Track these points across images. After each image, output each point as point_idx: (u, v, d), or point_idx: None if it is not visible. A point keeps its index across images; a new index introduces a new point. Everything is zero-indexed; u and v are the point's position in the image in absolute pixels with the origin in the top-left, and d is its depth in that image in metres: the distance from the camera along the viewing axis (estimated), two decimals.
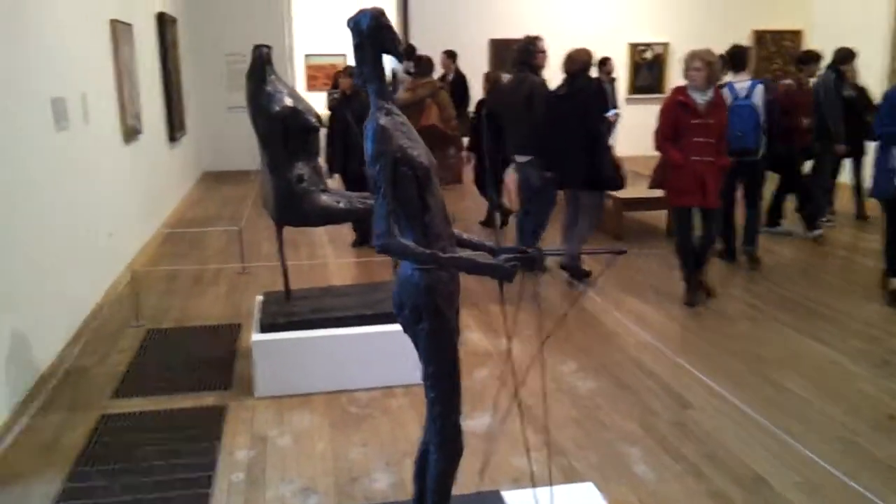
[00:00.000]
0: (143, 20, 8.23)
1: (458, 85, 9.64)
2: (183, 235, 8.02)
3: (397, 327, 4.06)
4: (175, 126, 9.59)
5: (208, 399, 4.13)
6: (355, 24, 2.12)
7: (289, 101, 4.15)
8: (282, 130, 4.12)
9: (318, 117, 4.37)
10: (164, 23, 9.23)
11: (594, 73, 7.11)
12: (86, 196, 5.67)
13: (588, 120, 5.96)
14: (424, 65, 7.85)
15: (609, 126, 6.47)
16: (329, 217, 4.29)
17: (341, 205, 4.27)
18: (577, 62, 6.06)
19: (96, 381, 4.35)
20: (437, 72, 8.89)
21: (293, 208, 4.21)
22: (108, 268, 6.02)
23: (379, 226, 1.99)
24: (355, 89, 6.90)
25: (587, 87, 6.10)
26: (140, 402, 4.09)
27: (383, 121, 2.06)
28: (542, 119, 6.09)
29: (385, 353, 4.27)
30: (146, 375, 4.43)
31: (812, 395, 4.11)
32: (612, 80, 10.19)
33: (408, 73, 8.63)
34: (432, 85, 7.75)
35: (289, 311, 4.35)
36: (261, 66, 4.19)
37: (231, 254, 6.93)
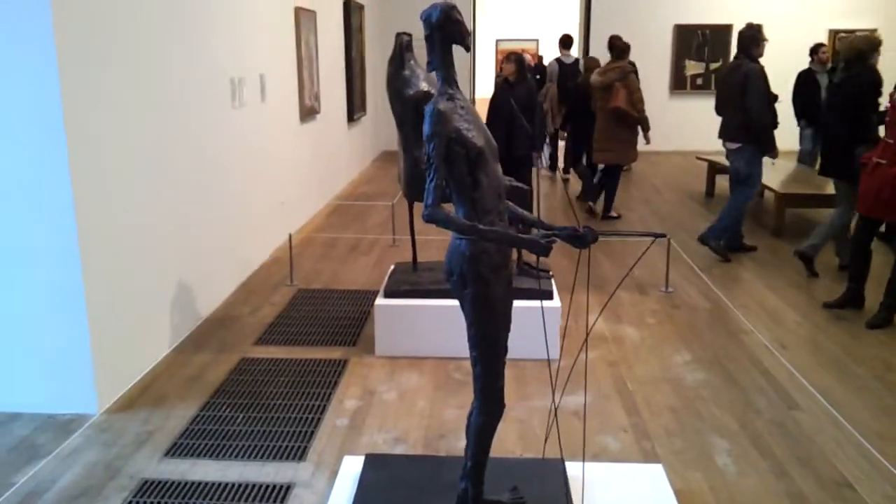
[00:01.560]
0: (328, 7, 8.92)
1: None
2: (350, 208, 8.67)
3: (517, 303, 4.32)
4: (355, 107, 10.30)
5: (335, 353, 4.57)
6: (427, 17, 2.35)
7: (424, 86, 4.45)
8: (414, 113, 4.43)
9: None
10: (350, 9, 9.92)
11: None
12: (262, 167, 6.37)
13: (857, 109, 5.75)
14: (618, 49, 8.10)
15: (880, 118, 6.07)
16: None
17: None
18: (852, 49, 5.82)
19: (245, 329, 4.94)
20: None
21: (418, 186, 4.52)
22: (277, 233, 6.68)
23: (428, 198, 2.21)
24: (520, 76, 6.97)
25: (859, 76, 5.78)
26: (276, 350, 4.61)
27: (442, 105, 2.28)
28: (759, 105, 6.18)
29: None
30: (287, 328, 4.97)
31: None
32: (827, 70, 9.02)
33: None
34: (622, 69, 7.96)
35: (412, 280, 4.70)
36: (400, 52, 4.52)
37: (388, 227, 7.41)
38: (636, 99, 7.85)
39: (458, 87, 2.40)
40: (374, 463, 3.02)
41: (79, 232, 3.59)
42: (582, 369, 4.29)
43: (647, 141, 8.09)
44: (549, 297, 4.55)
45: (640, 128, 8.04)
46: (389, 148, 13.29)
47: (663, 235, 2.57)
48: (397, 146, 4.80)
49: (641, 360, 4.52)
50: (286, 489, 3.16)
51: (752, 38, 6.29)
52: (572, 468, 3.04)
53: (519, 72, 6.93)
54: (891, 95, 5.33)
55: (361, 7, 10.69)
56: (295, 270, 5.99)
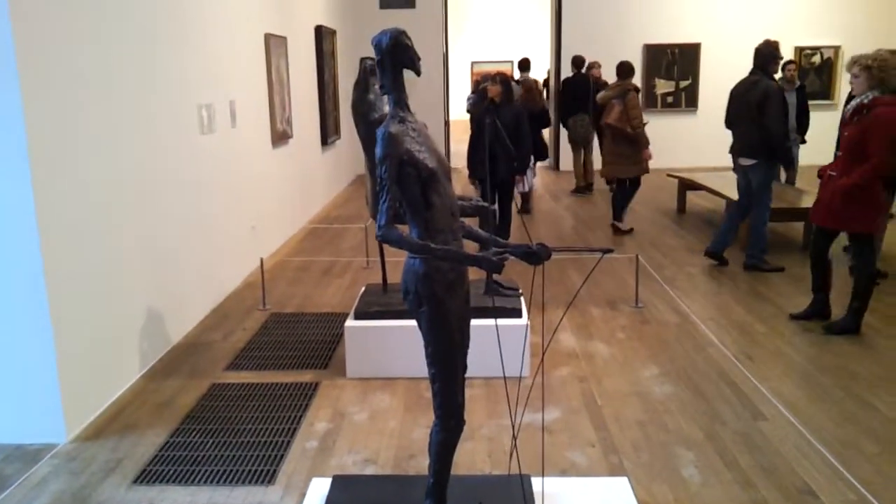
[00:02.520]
0: (299, 33, 9.00)
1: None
2: (325, 231, 8.70)
3: (479, 321, 4.36)
4: (328, 131, 10.36)
5: (306, 376, 4.58)
6: (377, 42, 2.42)
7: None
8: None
9: None
10: (322, 35, 10.00)
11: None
12: (235, 192, 6.39)
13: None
14: (625, 70, 8.41)
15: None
16: None
17: None
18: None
19: (216, 354, 4.94)
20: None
21: None
22: (251, 257, 6.68)
23: (381, 219, 2.28)
24: (506, 97, 7.01)
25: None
26: (247, 375, 4.61)
27: (393, 129, 2.34)
28: (779, 123, 6.34)
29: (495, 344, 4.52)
30: (259, 352, 4.97)
31: None
32: (796, 87, 9.06)
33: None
34: (622, 87, 8.24)
35: (382, 302, 4.73)
36: (365, 77, 4.59)
37: (362, 249, 7.44)
38: (632, 116, 8.07)
39: (409, 109, 2.46)
40: (341, 484, 3.03)
41: (44, 259, 3.60)
42: (551, 385, 4.38)
43: (646, 157, 8.21)
44: (517, 314, 4.59)
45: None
46: (364, 171, 13.36)
47: (610, 251, 2.64)
48: (364, 169, 4.85)
49: (611, 375, 4.57)
50: None
51: (770, 55, 6.44)
52: (538, 484, 3.06)
53: (505, 93, 7.01)
54: (843, 111, 5.49)
55: (333, 32, 10.78)
56: (268, 294, 6.00)
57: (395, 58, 2.41)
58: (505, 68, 23.15)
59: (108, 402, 4.18)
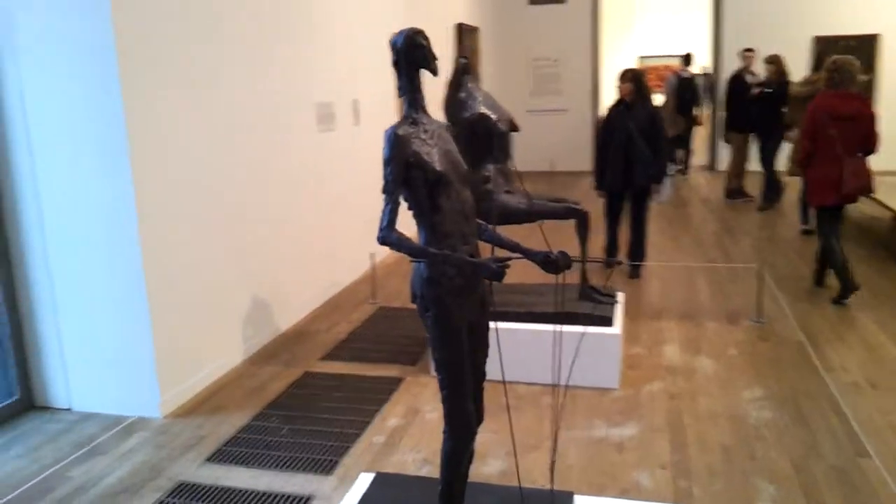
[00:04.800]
0: (437, 30, 9.11)
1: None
2: None
3: (571, 328, 4.25)
4: None
5: (393, 371, 4.65)
6: (393, 43, 2.40)
7: (480, 108, 4.47)
8: (468, 134, 4.45)
9: (511, 123, 4.62)
10: (462, 32, 10.08)
11: None
12: (356, 189, 6.60)
13: None
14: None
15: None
16: (509, 216, 4.51)
17: (521, 206, 4.48)
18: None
19: (317, 344, 5.13)
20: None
21: (475, 207, 4.53)
22: (369, 252, 6.87)
23: (383, 220, 2.26)
24: (638, 95, 6.34)
25: None
26: (339, 366, 4.75)
27: (401, 130, 2.31)
28: None
29: (552, 352, 4.40)
30: (356, 344, 5.10)
31: None
32: None
33: None
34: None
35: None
36: (458, 75, 4.57)
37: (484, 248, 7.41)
38: None
39: (424, 111, 2.42)
40: (382, 481, 3.05)
41: (143, 252, 3.89)
42: (638, 400, 4.16)
43: None
44: (607, 323, 4.40)
45: None
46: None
47: (619, 263, 2.48)
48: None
49: (707, 393, 4.26)
50: (305, 501, 3.25)
51: None
52: (582, 502, 2.94)
53: (637, 91, 6.32)
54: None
55: (475, 29, 10.83)
56: (381, 289, 6.15)
57: (409, 58, 2.37)
58: (673, 63, 22.32)
59: (206, 384, 4.46)
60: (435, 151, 2.33)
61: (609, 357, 4.36)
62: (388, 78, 7.34)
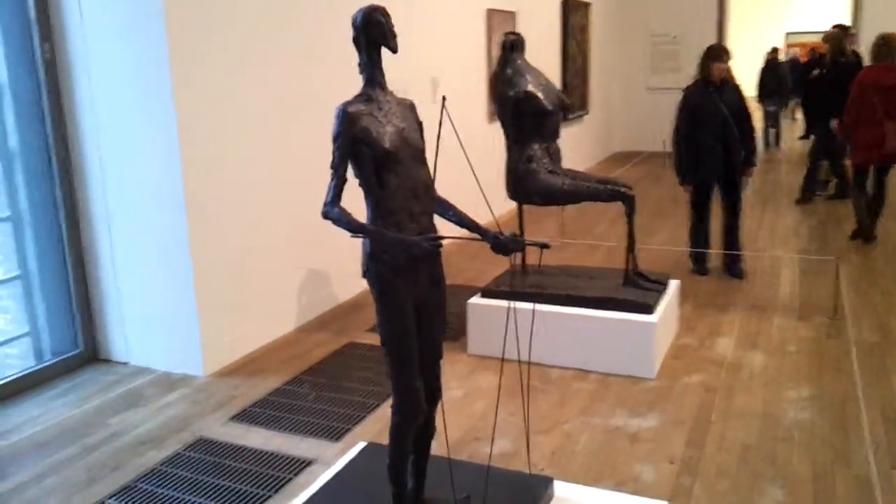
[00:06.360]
0: (536, 7, 8.97)
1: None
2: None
3: (607, 313, 4.15)
4: (570, 106, 10.22)
5: None
6: (353, 20, 2.41)
7: (527, 86, 4.40)
8: (513, 112, 4.40)
9: (560, 102, 4.52)
10: (568, 8, 9.86)
11: None
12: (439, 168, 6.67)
13: None
14: None
15: None
16: (551, 197, 4.44)
17: (565, 186, 4.39)
18: None
19: (368, 316, 5.26)
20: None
21: (518, 186, 4.49)
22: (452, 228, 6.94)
23: (327, 196, 2.30)
24: (728, 75, 5.94)
25: None
26: None
27: (351, 108, 2.32)
28: None
29: (589, 336, 4.32)
30: None
31: None
32: None
33: None
34: None
35: (513, 283, 4.67)
36: (506, 52, 4.50)
37: (568, 230, 7.32)
38: None
39: (382, 88, 2.42)
40: (370, 451, 3.12)
41: (188, 223, 4.15)
42: (672, 391, 4.01)
43: None
44: (646, 310, 4.25)
45: None
46: (623, 148, 12.98)
47: (546, 246, 2.41)
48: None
49: (748, 390, 4.04)
50: (306, 464, 3.39)
51: None
52: (563, 489, 2.89)
53: (729, 71, 5.96)
54: None
55: (587, 5, 10.56)
56: (446, 266, 6.17)
57: (368, 35, 2.38)
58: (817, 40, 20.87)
59: (252, 347, 4.69)
60: (387, 129, 2.34)
61: (644, 345, 4.21)
62: (478, 54, 7.30)
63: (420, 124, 2.51)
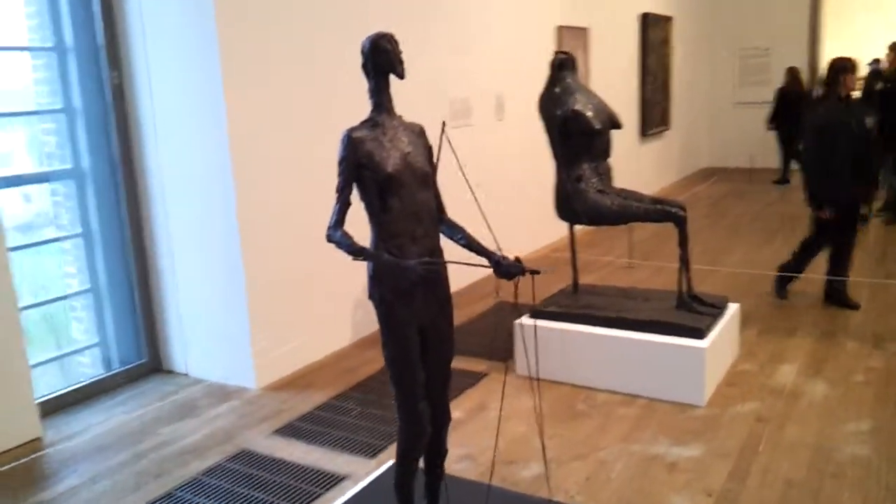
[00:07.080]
0: (612, 23, 8.86)
1: None
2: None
3: (656, 337, 4.08)
4: (650, 121, 10.03)
5: (481, 366, 4.70)
6: (362, 48, 2.46)
7: (575, 105, 4.35)
8: (561, 131, 4.36)
9: (610, 121, 4.45)
10: (648, 23, 9.69)
11: None
12: (498, 185, 6.68)
13: None
14: None
15: None
16: (599, 216, 4.37)
17: (614, 206, 4.31)
18: None
19: None
20: None
21: (567, 205, 4.44)
22: (522, 245, 6.87)
23: (331, 219, 2.36)
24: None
25: None
26: None
27: (356, 133, 2.38)
28: None
29: (637, 360, 4.22)
30: (460, 336, 5.09)
31: None
32: None
33: None
34: None
35: (563, 303, 4.61)
36: (555, 70, 4.48)
37: (637, 251, 7.15)
38: None
39: (389, 113, 2.46)
40: None
41: (241, 243, 4.30)
42: (723, 422, 3.87)
43: None
44: (697, 335, 4.10)
45: None
46: (710, 164, 12.62)
47: (536, 272, 2.37)
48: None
49: (803, 421, 3.84)
50: (339, 480, 3.45)
51: None
52: None
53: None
54: None
55: (668, 19, 10.35)
56: (507, 284, 6.16)
57: (375, 62, 2.43)
58: None
59: (305, 362, 4.81)
60: (391, 154, 2.38)
61: (693, 371, 4.07)
62: (544, 72, 7.30)
63: (429, 149, 2.54)
